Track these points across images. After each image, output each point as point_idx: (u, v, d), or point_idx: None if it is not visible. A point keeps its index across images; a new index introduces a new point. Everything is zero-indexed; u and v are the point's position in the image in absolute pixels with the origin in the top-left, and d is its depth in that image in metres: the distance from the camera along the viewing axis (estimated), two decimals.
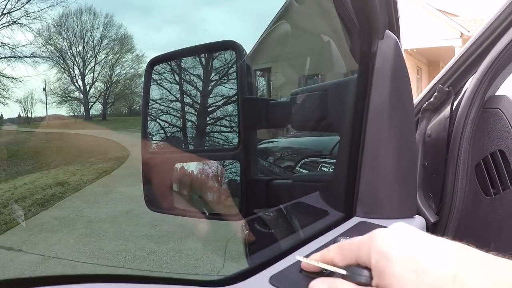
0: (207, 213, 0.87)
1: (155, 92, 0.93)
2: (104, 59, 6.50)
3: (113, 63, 6.49)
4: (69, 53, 6.24)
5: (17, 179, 5.47)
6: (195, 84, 0.88)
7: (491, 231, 0.92)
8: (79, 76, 6.50)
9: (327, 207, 0.71)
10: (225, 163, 0.85)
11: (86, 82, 6.20)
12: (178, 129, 0.92)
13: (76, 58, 6.35)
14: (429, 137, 0.96)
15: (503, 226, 0.91)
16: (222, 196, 0.87)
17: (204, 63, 0.87)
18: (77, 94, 5.99)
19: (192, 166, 0.90)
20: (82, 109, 6.05)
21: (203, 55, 0.87)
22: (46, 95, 6.22)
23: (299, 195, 0.78)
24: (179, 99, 0.90)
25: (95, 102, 5.72)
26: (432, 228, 0.91)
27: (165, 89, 0.91)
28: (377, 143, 0.68)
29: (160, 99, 0.93)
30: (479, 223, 0.94)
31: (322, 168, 1.24)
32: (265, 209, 0.85)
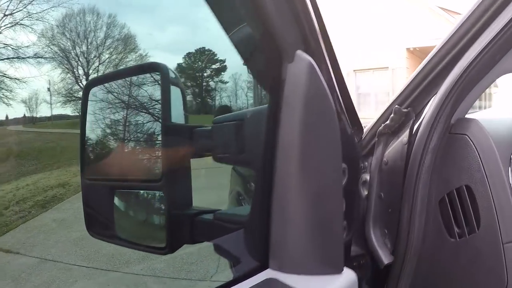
0: (138, 244, 0.84)
1: (90, 116, 0.89)
2: (108, 59, 6.52)
3: (117, 63, 6.51)
4: (72, 53, 6.24)
5: (20, 180, 5.52)
6: (122, 110, 0.84)
7: (455, 275, 0.81)
8: (83, 76, 6.50)
9: (243, 254, 0.65)
10: (153, 195, 0.81)
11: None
12: (107, 156, 0.89)
13: (80, 58, 6.34)
14: (385, 165, 0.84)
15: (467, 273, 0.79)
16: (150, 228, 0.83)
17: (130, 87, 0.82)
18: (81, 94, 6.04)
19: (124, 196, 0.86)
20: None
21: (130, 79, 0.82)
22: (50, 95, 6.22)
23: (219, 234, 0.72)
24: (107, 125, 0.86)
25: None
26: (386, 270, 0.81)
27: (96, 114, 0.87)
28: (287, 185, 0.59)
29: (93, 123, 0.89)
30: (443, 266, 0.82)
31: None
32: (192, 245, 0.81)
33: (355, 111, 0.84)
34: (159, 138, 0.76)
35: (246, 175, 1.75)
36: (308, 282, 0.58)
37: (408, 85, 0.85)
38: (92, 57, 6.55)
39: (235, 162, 0.73)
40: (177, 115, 0.77)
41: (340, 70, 0.76)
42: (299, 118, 0.59)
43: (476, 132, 0.80)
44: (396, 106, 0.85)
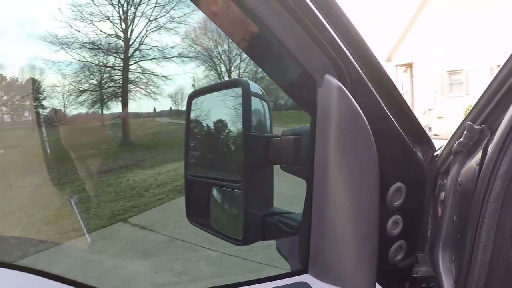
0: (222, 234, 0.96)
1: (192, 122, 1.04)
2: (248, 57, 6.87)
3: None
4: (215, 52, 6.70)
5: (162, 166, 6.16)
6: (214, 118, 0.97)
7: None
8: (226, 73, 6.97)
9: (292, 256, 0.71)
10: (235, 193, 0.92)
11: (232, 78, 6.59)
12: (205, 157, 1.03)
13: (222, 57, 6.77)
14: (459, 186, 0.76)
15: None
16: (232, 222, 0.95)
17: (218, 101, 0.95)
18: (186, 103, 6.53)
19: (219, 192, 1.00)
20: None
21: (218, 93, 0.95)
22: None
23: (279, 235, 0.80)
24: (205, 130, 1.00)
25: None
26: None
27: (194, 122, 1.02)
28: (323, 202, 0.63)
29: (195, 128, 1.05)
30: None
31: None
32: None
33: (421, 128, 0.81)
34: (240, 145, 0.87)
35: None
36: None
37: (480, 99, 0.75)
38: (233, 55, 6.94)
39: (294, 173, 0.79)
40: (258, 125, 0.87)
41: (393, 90, 0.73)
42: (331, 139, 0.61)
43: None
44: (469, 122, 0.76)
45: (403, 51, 15.64)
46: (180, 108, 6.39)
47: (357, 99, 0.63)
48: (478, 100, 0.75)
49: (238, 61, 6.80)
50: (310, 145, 0.65)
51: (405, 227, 0.74)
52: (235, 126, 0.91)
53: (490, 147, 0.68)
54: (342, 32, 0.63)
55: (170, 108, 6.66)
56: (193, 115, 1.04)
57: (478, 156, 0.71)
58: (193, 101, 1.04)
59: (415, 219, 0.79)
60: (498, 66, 0.74)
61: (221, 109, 0.96)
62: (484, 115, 0.74)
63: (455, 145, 0.79)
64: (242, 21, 0.61)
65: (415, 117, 0.79)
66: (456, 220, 0.76)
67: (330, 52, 0.62)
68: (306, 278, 0.65)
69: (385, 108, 0.69)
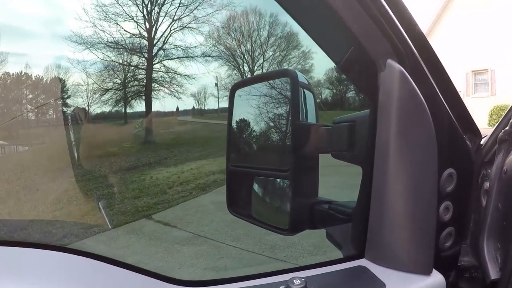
0: (266, 224, 0.96)
1: (235, 113, 1.05)
2: (271, 56, 6.84)
3: (281, 60, 6.79)
4: (238, 51, 6.72)
5: (185, 165, 6.22)
6: (258, 109, 0.97)
7: None
8: (249, 73, 7.01)
9: (345, 242, 0.71)
10: (282, 183, 0.92)
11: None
12: (248, 147, 1.03)
13: (245, 56, 6.80)
14: (505, 174, 0.77)
15: None
16: (278, 211, 0.94)
17: (265, 90, 0.95)
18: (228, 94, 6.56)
19: (258, 182, 1.00)
20: None
21: (265, 83, 0.95)
22: (218, 90, 6.82)
23: (331, 223, 0.80)
24: (248, 121, 1.00)
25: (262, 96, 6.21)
26: (492, 286, 0.76)
27: (240, 112, 1.02)
28: (383, 185, 0.64)
29: (238, 119, 1.05)
30: None
31: None
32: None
33: (470, 116, 0.82)
34: (289, 134, 0.87)
35: None
36: (396, 277, 0.62)
37: None
38: (256, 54, 6.98)
39: (347, 160, 0.79)
40: (306, 114, 0.87)
41: (445, 76, 0.75)
42: (392, 122, 0.63)
43: None
44: None
45: None
46: (202, 107, 6.38)
47: (416, 83, 0.64)
48: None
49: (261, 61, 6.76)
50: (370, 129, 0.66)
51: (455, 213, 0.75)
52: (281, 115, 0.91)
53: None
54: (403, 20, 0.65)
55: (193, 107, 6.68)
56: (236, 106, 1.04)
57: None
58: (236, 93, 1.04)
59: (464, 207, 0.80)
60: None
61: (267, 99, 0.96)
62: None
63: (500, 134, 0.80)
64: (312, 7, 0.62)
65: (464, 104, 0.79)
66: (502, 208, 0.76)
67: (393, 38, 0.63)
68: (362, 262, 0.66)
69: (440, 94, 0.70)
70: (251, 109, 1.01)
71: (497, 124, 0.85)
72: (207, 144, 6.30)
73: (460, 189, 0.75)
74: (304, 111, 0.88)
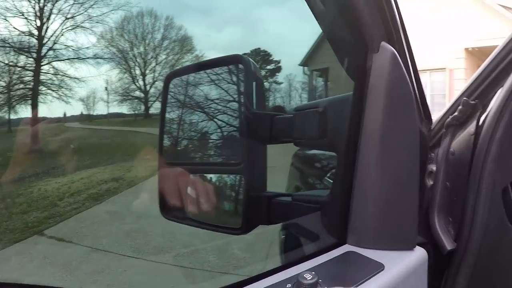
0: (212, 225, 0.88)
1: (171, 105, 0.95)
2: (164, 60, 6.68)
3: (173, 63, 6.67)
4: (130, 54, 6.47)
5: (75, 174, 5.79)
6: (203, 98, 0.89)
7: None
8: (140, 76, 6.74)
9: (321, 231, 0.70)
10: (231, 178, 0.86)
11: (146, 82, 6.42)
12: (189, 142, 0.94)
13: (137, 59, 6.57)
14: (452, 155, 0.87)
15: None
16: (225, 209, 0.88)
17: (213, 78, 0.88)
18: (137, 93, 6.22)
19: (201, 179, 0.91)
20: (142, 107, 6.27)
21: (212, 70, 0.88)
22: (107, 94, 6.48)
23: (297, 215, 0.77)
24: (189, 113, 0.92)
25: (155, 101, 5.95)
26: (448, 256, 0.84)
27: (178, 102, 0.93)
28: (369, 167, 0.64)
29: (174, 112, 0.95)
30: (503, 254, 0.85)
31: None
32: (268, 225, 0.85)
33: (427, 103, 0.87)
34: (241, 125, 0.81)
35: (305, 170, 1.79)
36: (383, 256, 0.62)
37: (476, 78, 0.88)
38: (149, 57, 6.75)
39: (316, 146, 0.77)
40: (258, 104, 0.82)
41: (416, 63, 0.79)
42: (384, 101, 0.64)
43: None
44: (464, 98, 0.87)
45: None
46: (91, 113, 6.01)
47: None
48: (474, 80, 0.88)
49: (153, 64, 6.59)
50: (353, 113, 0.66)
51: None
52: (229, 105, 0.85)
53: (488, 118, 0.81)
54: (396, 4, 0.68)
55: (81, 112, 6.23)
56: (171, 97, 0.95)
57: (472, 127, 0.83)
58: (172, 82, 0.95)
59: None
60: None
61: (213, 88, 0.88)
62: (478, 92, 0.86)
63: (448, 119, 0.89)
64: None
65: (424, 93, 0.83)
66: (450, 186, 0.85)
67: (389, 21, 0.66)
68: (346, 248, 0.65)
69: (414, 79, 0.72)
70: (191, 99, 0.93)
71: (444, 111, 0.93)
72: (97, 151, 5.93)
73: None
74: (256, 100, 0.83)
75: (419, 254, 0.67)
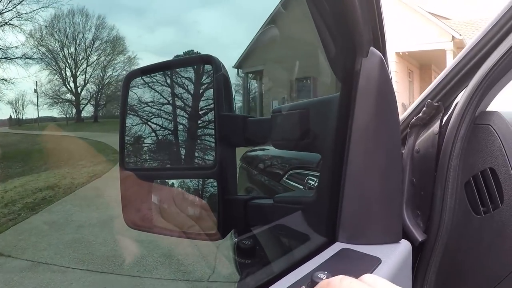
0: (185, 232, 0.85)
1: (132, 108, 0.90)
2: (96, 61, 6.45)
3: (105, 65, 6.44)
4: (60, 54, 6.17)
5: (7, 183, 5.41)
6: (170, 100, 0.86)
7: (481, 249, 0.90)
8: (71, 78, 6.45)
9: (309, 231, 0.70)
10: (203, 182, 0.83)
11: (77, 84, 6.18)
12: (155, 146, 0.90)
13: (68, 60, 6.30)
14: (417, 153, 0.94)
15: (493, 245, 0.89)
16: (199, 215, 0.84)
17: (180, 78, 0.84)
18: (68, 96, 5.94)
19: (170, 185, 0.88)
20: (74, 111, 5.99)
21: (179, 70, 0.84)
22: (37, 96, 6.12)
23: (280, 217, 0.76)
24: (155, 115, 0.87)
25: (86, 104, 5.69)
26: (419, 247, 0.89)
27: (142, 104, 0.89)
28: (360, 165, 0.66)
29: (136, 114, 0.90)
30: (468, 242, 0.91)
31: (309, 181, 1.22)
32: (244, 229, 0.83)
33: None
34: (211, 127, 0.79)
35: (255, 171, 1.79)
36: (375, 250, 0.64)
37: (440, 82, 0.95)
38: (80, 58, 6.46)
39: (296, 147, 0.78)
40: (228, 106, 0.80)
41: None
42: (374, 103, 0.66)
43: (498, 122, 0.90)
44: (429, 100, 0.94)
45: None
46: (20, 117, 5.67)
47: None
48: (438, 83, 0.96)
49: (84, 65, 6.35)
50: (342, 112, 0.67)
51: None
52: (199, 107, 0.82)
53: (452, 118, 0.89)
54: (382, 11, 0.71)
55: (10, 116, 5.86)
56: (132, 99, 0.90)
57: (436, 127, 0.91)
58: (132, 83, 0.90)
59: None
60: None
61: (179, 89, 0.85)
62: (441, 94, 0.95)
63: (413, 120, 0.97)
64: None
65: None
66: (417, 182, 0.92)
67: (377, 27, 0.69)
68: (339, 246, 0.66)
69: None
70: (157, 101, 0.88)
71: (409, 111, 1.01)
72: (28, 157, 5.60)
73: None
74: (225, 102, 0.80)
75: (405, 245, 0.70)
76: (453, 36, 13.10)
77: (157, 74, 0.88)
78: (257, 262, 0.66)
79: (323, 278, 0.43)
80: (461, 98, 0.89)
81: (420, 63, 15.67)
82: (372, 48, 0.68)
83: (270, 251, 0.72)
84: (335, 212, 0.67)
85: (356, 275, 0.38)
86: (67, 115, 5.93)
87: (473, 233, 0.90)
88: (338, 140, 0.67)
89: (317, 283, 0.42)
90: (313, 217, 0.72)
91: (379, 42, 0.70)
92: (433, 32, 13.20)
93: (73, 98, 5.72)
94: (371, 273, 0.52)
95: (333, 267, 0.56)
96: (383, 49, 0.70)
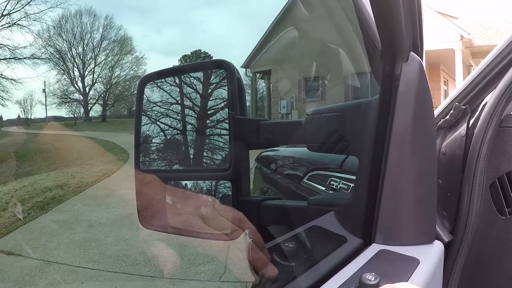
0: (199, 232, 0.86)
1: (147, 111, 0.92)
2: (103, 61, 6.47)
3: (113, 65, 6.47)
4: (68, 54, 6.19)
5: (17, 182, 5.44)
6: (186, 104, 0.87)
7: (505, 250, 0.92)
8: (79, 78, 6.47)
9: (345, 233, 0.71)
10: (217, 184, 0.85)
11: (85, 84, 6.18)
12: (169, 148, 0.92)
13: (76, 60, 6.32)
14: (443, 155, 0.95)
15: None
16: (213, 216, 0.86)
17: (195, 82, 0.86)
18: (76, 95, 5.98)
19: (186, 186, 0.89)
20: (82, 110, 6.01)
21: (194, 74, 0.86)
22: (45, 96, 6.14)
23: (312, 218, 0.78)
24: (170, 118, 0.89)
25: (94, 104, 5.72)
26: (445, 248, 0.89)
27: (157, 107, 0.90)
28: (399, 168, 0.68)
29: (152, 117, 0.92)
30: (493, 243, 0.94)
31: (331, 183, 1.23)
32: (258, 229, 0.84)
33: None
34: (226, 130, 0.80)
35: (272, 172, 1.79)
36: (412, 251, 0.66)
37: (467, 86, 0.97)
38: (88, 58, 6.48)
39: (332, 150, 0.79)
40: (241, 110, 0.82)
41: None
42: (412, 108, 0.68)
43: None
44: (456, 103, 0.97)
45: None
46: (29, 116, 5.69)
47: None
48: (465, 87, 0.98)
49: (92, 65, 6.33)
50: (382, 116, 0.69)
51: None
52: (214, 110, 0.84)
53: (480, 121, 0.91)
54: (423, 18, 0.72)
55: (19, 116, 5.88)
56: (147, 103, 0.92)
57: (462, 129, 0.93)
58: (147, 86, 0.92)
59: None
60: None
61: (193, 93, 0.87)
62: (468, 97, 0.97)
63: (439, 122, 0.99)
64: None
65: None
66: (443, 183, 0.94)
67: (417, 33, 0.71)
68: (376, 247, 0.68)
69: None
70: (172, 104, 0.90)
71: (436, 114, 1.02)
72: (37, 157, 5.61)
73: None
74: (240, 105, 0.82)
75: (438, 246, 0.72)
76: (461, 36, 13.05)
77: (170, 78, 0.90)
78: (300, 264, 0.67)
79: (372, 280, 0.45)
80: (488, 101, 0.91)
81: (429, 63, 15.61)
82: (412, 53, 0.69)
83: (309, 253, 0.72)
84: (372, 214, 0.69)
85: (399, 276, 0.39)
86: (75, 115, 5.95)
87: (497, 234, 0.92)
88: (377, 144, 0.68)
89: (366, 284, 0.43)
90: (350, 219, 0.74)
91: (418, 47, 0.72)
92: (441, 32, 13.15)
93: (81, 97, 5.75)
94: (411, 273, 0.53)
95: (376, 269, 0.57)
96: (421, 54, 0.71)
